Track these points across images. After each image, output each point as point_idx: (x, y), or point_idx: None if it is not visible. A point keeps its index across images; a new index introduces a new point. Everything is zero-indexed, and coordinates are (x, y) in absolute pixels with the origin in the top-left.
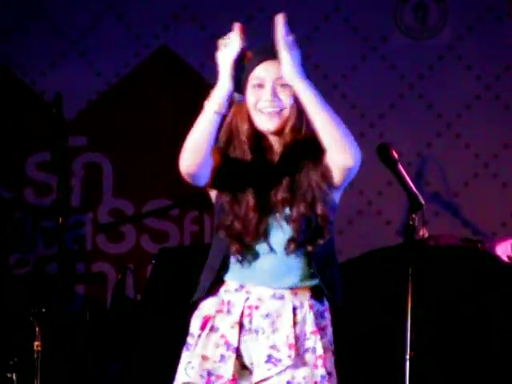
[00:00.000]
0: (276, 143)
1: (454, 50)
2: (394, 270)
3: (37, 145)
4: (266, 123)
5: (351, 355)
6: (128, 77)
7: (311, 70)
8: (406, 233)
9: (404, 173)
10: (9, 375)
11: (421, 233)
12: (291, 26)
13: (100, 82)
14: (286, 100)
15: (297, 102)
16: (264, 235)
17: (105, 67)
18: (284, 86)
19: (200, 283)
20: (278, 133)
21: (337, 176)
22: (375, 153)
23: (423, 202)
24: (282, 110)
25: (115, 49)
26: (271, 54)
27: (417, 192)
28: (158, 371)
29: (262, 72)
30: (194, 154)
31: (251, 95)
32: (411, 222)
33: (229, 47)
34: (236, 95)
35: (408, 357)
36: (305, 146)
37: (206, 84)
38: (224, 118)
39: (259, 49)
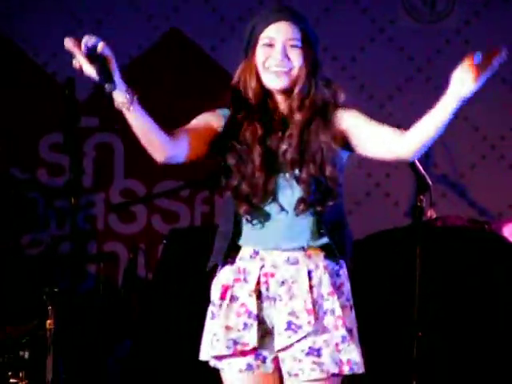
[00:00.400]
0: (283, 103)
1: (461, 34)
2: (401, 250)
3: (49, 126)
4: (274, 81)
5: (361, 333)
6: (140, 58)
7: (321, 51)
8: (414, 214)
9: None
10: (21, 353)
11: (428, 214)
12: (303, 8)
13: None
14: (296, 60)
15: (307, 65)
16: (272, 195)
17: (117, 49)
18: (294, 46)
19: (214, 250)
20: (286, 93)
21: (379, 152)
22: None
23: (431, 184)
24: (290, 70)
25: (128, 32)
26: (283, 15)
27: (424, 173)
28: (167, 348)
29: (273, 32)
30: (151, 148)
31: (261, 53)
32: (419, 204)
33: (76, 59)
34: (107, 86)
35: (416, 336)
36: (314, 108)
37: (216, 65)
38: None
39: (270, 9)
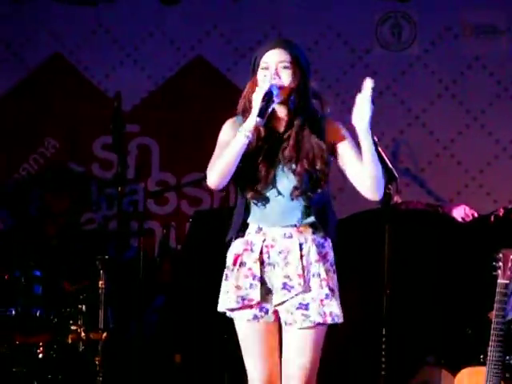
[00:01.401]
0: (282, 112)
1: (421, 59)
2: (374, 228)
3: (101, 130)
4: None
5: (340, 293)
6: (171, 79)
7: (312, 72)
8: (384, 199)
9: (382, 153)
10: (79, 306)
11: (395, 199)
12: (296, 40)
13: (150, 83)
14: (286, 78)
15: (295, 81)
16: (272, 183)
17: (153, 72)
18: (285, 67)
19: (231, 226)
20: (282, 103)
21: (352, 179)
22: None
23: (397, 176)
24: (282, 86)
25: (161, 58)
26: (277, 44)
27: (392, 167)
28: (193, 302)
29: (268, 57)
30: (224, 175)
31: (260, 75)
32: (387, 191)
33: (260, 91)
34: (258, 119)
35: (385, 294)
36: (307, 116)
37: (231, 84)
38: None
39: (269, 41)
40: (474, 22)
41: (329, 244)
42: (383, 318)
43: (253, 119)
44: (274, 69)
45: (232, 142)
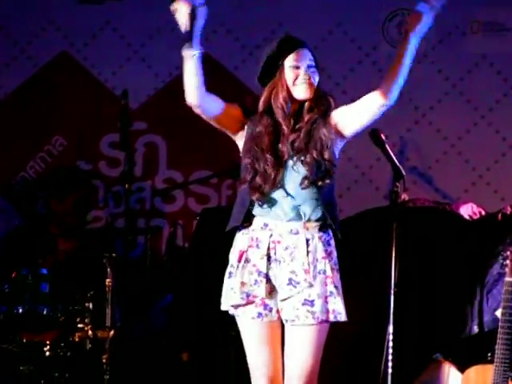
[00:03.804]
0: (305, 108)
1: (428, 57)
2: (382, 225)
3: (108, 128)
4: (304, 93)
5: (347, 290)
6: (178, 77)
7: (320, 71)
8: (391, 197)
9: (390, 151)
10: (87, 304)
11: (402, 197)
12: (303, 37)
13: (157, 80)
14: (314, 77)
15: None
16: (280, 183)
17: (160, 69)
18: (311, 66)
19: (232, 215)
20: (301, 101)
21: (367, 115)
22: (368, 135)
23: (404, 173)
24: (313, 84)
25: (168, 55)
26: (301, 43)
27: (399, 165)
28: (200, 301)
29: (298, 57)
30: (189, 87)
31: (290, 74)
32: (395, 189)
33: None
34: (187, 43)
35: (393, 291)
36: (317, 109)
37: (239, 82)
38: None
39: (289, 39)
40: (482, 19)
41: (333, 243)
42: (390, 315)
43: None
44: (305, 69)
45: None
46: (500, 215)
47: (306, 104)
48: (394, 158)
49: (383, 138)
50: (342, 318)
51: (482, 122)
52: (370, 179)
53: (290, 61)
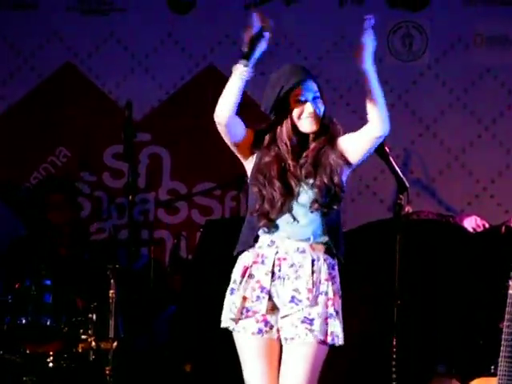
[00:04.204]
0: (310, 138)
1: (432, 69)
2: (385, 237)
3: (112, 139)
4: (310, 127)
5: (351, 302)
6: (183, 88)
7: (323, 83)
8: (395, 209)
9: (394, 163)
10: (90, 315)
11: (406, 209)
12: (310, 49)
13: (161, 92)
14: (320, 108)
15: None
16: (288, 210)
17: (164, 81)
18: (317, 98)
19: (240, 239)
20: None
21: (367, 146)
22: None
23: (408, 186)
24: (318, 117)
25: (173, 66)
26: (305, 74)
27: (403, 177)
28: (203, 313)
29: (304, 90)
30: (223, 109)
31: (296, 108)
32: (399, 201)
33: (251, 30)
34: (243, 61)
35: (396, 303)
36: (325, 136)
37: (244, 94)
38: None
39: (294, 69)
40: (486, 32)
41: (337, 268)
42: (394, 327)
43: (241, 62)
44: (311, 102)
45: (230, 81)
46: (504, 228)
47: (311, 135)
48: (398, 171)
49: (387, 150)
50: (340, 341)
51: (486, 134)
52: (373, 191)
53: (294, 95)
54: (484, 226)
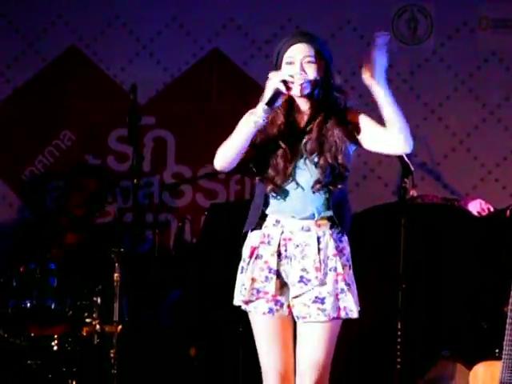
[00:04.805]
0: (305, 106)
1: (437, 53)
2: (390, 221)
3: (117, 123)
4: (295, 89)
5: (357, 285)
6: (187, 72)
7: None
8: (400, 193)
9: None
10: (94, 298)
11: (411, 193)
12: (315, 31)
13: (166, 75)
14: (311, 73)
15: (320, 76)
16: (291, 177)
17: (169, 64)
18: (309, 62)
19: (248, 218)
20: (307, 98)
21: (383, 151)
22: None
23: (413, 170)
24: (306, 79)
25: (178, 50)
26: (300, 38)
27: (408, 161)
28: (208, 296)
29: (293, 52)
30: (230, 158)
31: (285, 70)
32: (403, 185)
33: (278, 80)
34: (266, 108)
35: (401, 287)
36: (330, 110)
37: (248, 77)
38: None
39: (291, 34)
40: (491, 16)
41: (345, 239)
42: (399, 311)
43: (261, 106)
44: (299, 64)
45: (240, 125)
46: (509, 211)
47: (308, 104)
48: (403, 155)
49: None
50: (354, 315)
51: (491, 118)
52: (378, 175)
53: (285, 56)
54: (489, 209)
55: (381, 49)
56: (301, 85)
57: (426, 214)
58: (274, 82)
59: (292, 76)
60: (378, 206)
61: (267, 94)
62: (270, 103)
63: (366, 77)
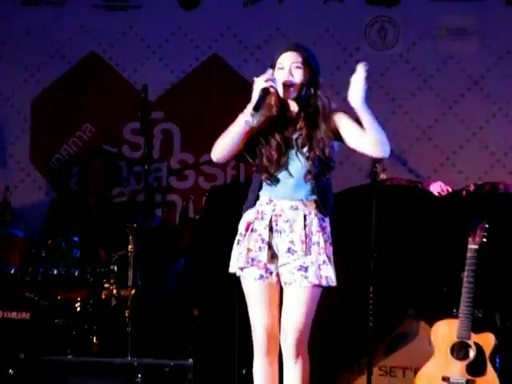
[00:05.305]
0: (295, 106)
1: (403, 57)
2: (363, 200)
3: (131, 117)
4: (284, 93)
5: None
6: (191, 73)
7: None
8: (371, 176)
9: None
10: (112, 267)
11: (381, 176)
12: (297, 40)
13: (173, 76)
14: (298, 76)
15: (306, 80)
16: (284, 166)
17: (176, 67)
18: (297, 67)
19: (247, 201)
20: (295, 100)
21: (359, 150)
22: None
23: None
24: (294, 84)
25: (183, 55)
26: (290, 47)
27: None
28: (210, 264)
29: (283, 59)
30: (224, 152)
31: (277, 74)
32: (374, 169)
33: (263, 81)
34: (252, 111)
35: (372, 257)
36: (316, 109)
37: (242, 78)
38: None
39: (285, 45)
40: (448, 25)
41: (327, 220)
42: (370, 277)
43: (249, 108)
44: (288, 69)
45: (234, 124)
46: (464, 192)
47: (299, 102)
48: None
49: None
50: (333, 283)
51: (450, 112)
52: (353, 161)
53: (277, 63)
54: (448, 190)
55: (363, 75)
56: (287, 88)
57: (394, 193)
58: (257, 87)
59: (267, 80)
60: (353, 187)
61: (253, 97)
62: (256, 105)
63: (352, 100)
